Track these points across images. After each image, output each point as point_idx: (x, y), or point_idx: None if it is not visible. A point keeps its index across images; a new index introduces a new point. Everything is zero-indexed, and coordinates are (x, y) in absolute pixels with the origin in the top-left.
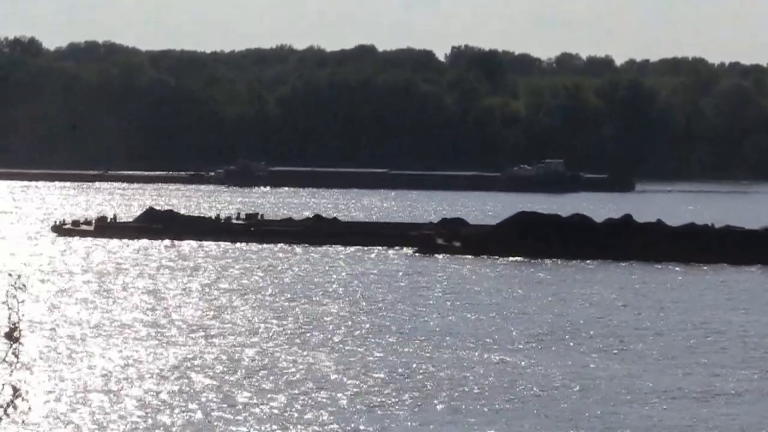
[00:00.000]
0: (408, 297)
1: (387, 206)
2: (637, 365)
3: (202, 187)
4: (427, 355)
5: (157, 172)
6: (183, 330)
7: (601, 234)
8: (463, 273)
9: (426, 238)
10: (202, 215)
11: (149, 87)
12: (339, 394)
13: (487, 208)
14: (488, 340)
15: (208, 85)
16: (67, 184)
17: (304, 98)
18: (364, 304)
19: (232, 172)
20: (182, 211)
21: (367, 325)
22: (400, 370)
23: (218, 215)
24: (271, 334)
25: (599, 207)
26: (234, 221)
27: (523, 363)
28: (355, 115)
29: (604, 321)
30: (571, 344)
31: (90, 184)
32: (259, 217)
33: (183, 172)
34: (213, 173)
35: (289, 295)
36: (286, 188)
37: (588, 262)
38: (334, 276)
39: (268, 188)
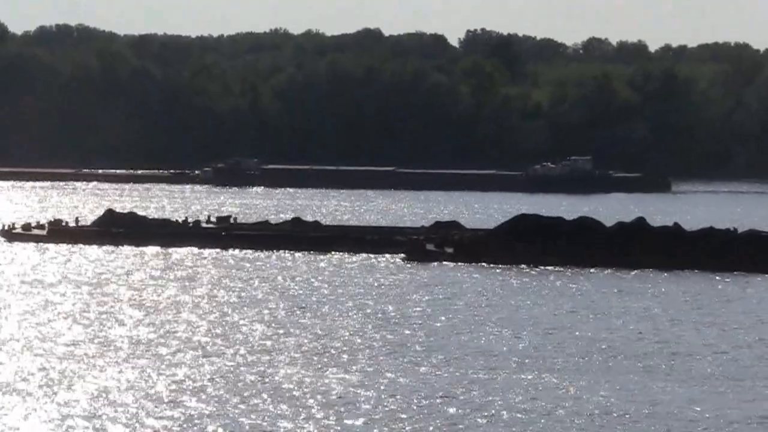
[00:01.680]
0: (418, 309)
1: (393, 208)
2: (698, 388)
3: (188, 187)
4: (457, 375)
5: (138, 171)
6: (135, 350)
7: (609, 239)
8: (460, 280)
9: (415, 244)
10: (168, 218)
11: (132, 78)
12: (359, 420)
13: (504, 210)
14: (525, 359)
15: (196, 75)
16: (40, 183)
17: (302, 89)
18: (356, 316)
19: (222, 171)
20: (151, 213)
21: (379, 343)
22: (427, 393)
23: (186, 218)
24: (273, 354)
25: (631, 209)
26: (204, 225)
27: (567, 385)
28: (359, 107)
29: (649, 336)
30: (619, 363)
31: (64, 183)
32: (231, 220)
33: (166, 171)
34: (199, 172)
35: (255, 311)
36: (282, 189)
37: (593, 270)
38: (312, 288)
39: (260, 189)
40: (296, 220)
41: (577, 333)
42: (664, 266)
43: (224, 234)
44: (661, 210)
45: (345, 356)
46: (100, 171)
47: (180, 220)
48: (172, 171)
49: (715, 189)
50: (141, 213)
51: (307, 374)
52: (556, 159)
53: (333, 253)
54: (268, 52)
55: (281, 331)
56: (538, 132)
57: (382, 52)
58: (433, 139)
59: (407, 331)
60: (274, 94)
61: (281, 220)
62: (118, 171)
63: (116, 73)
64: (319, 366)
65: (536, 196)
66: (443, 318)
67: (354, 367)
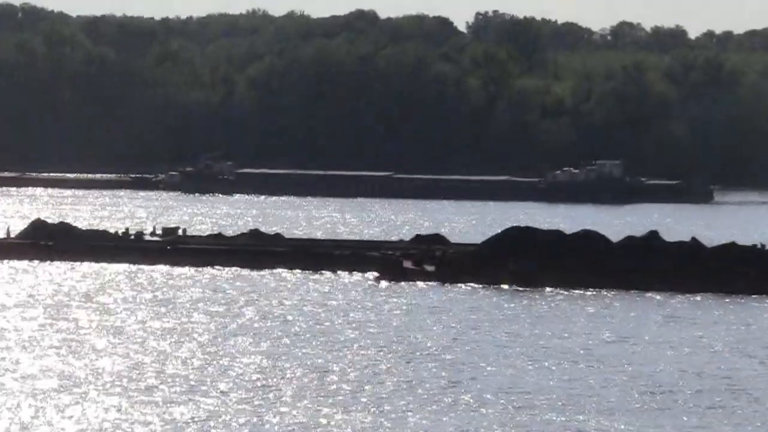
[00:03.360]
0: (415, 339)
1: (387, 220)
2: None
3: (151, 193)
4: (477, 416)
5: (92, 175)
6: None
7: (614, 256)
8: (445, 304)
9: (389, 261)
10: (106, 230)
11: (84, 65)
12: None
13: (520, 223)
14: (557, 398)
15: (160, 63)
16: None
17: (283, 81)
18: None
19: (189, 175)
20: (86, 224)
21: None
22: None
23: (127, 230)
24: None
25: (666, 222)
26: (147, 237)
27: (608, 427)
28: (351, 102)
29: (706, 370)
30: (671, 402)
31: (4, 188)
32: (180, 232)
33: (124, 175)
34: (164, 176)
35: (194, 341)
36: (260, 196)
37: (591, 291)
38: (265, 313)
39: (235, 196)
40: (254, 233)
41: (615, 366)
42: (675, 287)
43: (169, 248)
44: (700, 223)
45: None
46: (45, 175)
47: (120, 232)
48: (131, 175)
49: (765, 200)
50: (82, 223)
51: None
52: (581, 163)
53: (294, 270)
54: (244, 37)
55: (224, 362)
56: (559, 132)
57: (377, 37)
58: (437, 140)
59: (405, 365)
60: (251, 86)
61: (238, 233)
62: (67, 175)
63: (66, 60)
64: (316, 406)
65: (557, 207)
66: (456, 349)
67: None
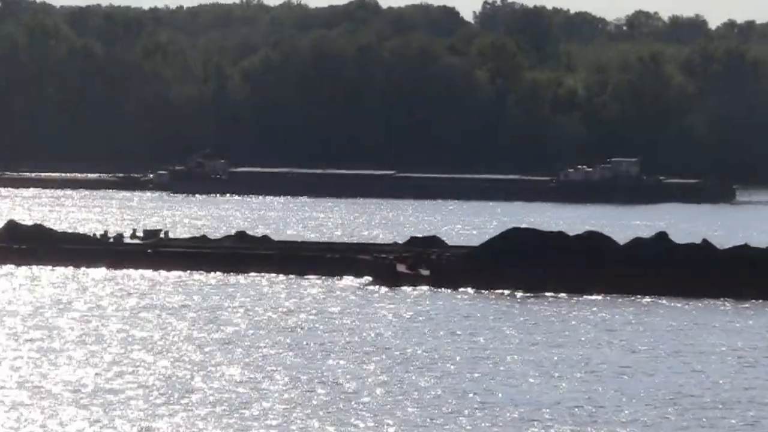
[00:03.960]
0: (411, 346)
1: (390, 220)
2: None
3: (138, 194)
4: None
5: (76, 175)
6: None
7: (620, 259)
8: (447, 310)
9: (382, 265)
10: (84, 233)
11: (68, 58)
12: None
13: (529, 224)
14: (577, 412)
15: (148, 56)
16: None
17: (279, 74)
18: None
19: (180, 175)
20: (66, 226)
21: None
22: None
23: (106, 232)
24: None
25: (685, 223)
26: (127, 240)
27: None
28: (351, 97)
29: (729, 381)
30: (704, 417)
31: None
32: (162, 234)
33: (111, 174)
34: (153, 175)
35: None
36: (255, 196)
37: (595, 297)
38: (252, 322)
39: (229, 196)
40: (240, 235)
41: (630, 377)
42: (684, 291)
43: (150, 252)
44: (720, 224)
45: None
46: (28, 174)
47: (98, 234)
48: (118, 175)
49: None
50: (60, 225)
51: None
52: (595, 161)
53: (281, 275)
54: (238, 28)
55: (208, 370)
56: (572, 127)
57: (379, 28)
58: (442, 136)
59: (401, 373)
60: (246, 80)
61: (223, 235)
62: (52, 174)
63: (50, 52)
64: (306, 420)
65: (569, 207)
66: (453, 357)
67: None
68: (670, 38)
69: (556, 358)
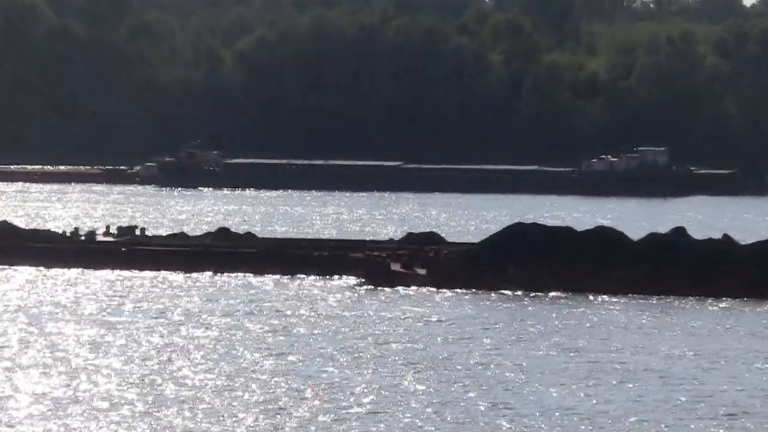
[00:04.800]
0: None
1: (397, 215)
2: None
3: (124, 187)
4: None
5: (56, 167)
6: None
7: (631, 257)
8: (450, 313)
9: (374, 264)
10: (54, 230)
11: (47, 40)
12: None
13: (547, 220)
14: (624, 424)
15: (134, 38)
16: None
17: (276, 57)
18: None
19: (170, 166)
20: (35, 224)
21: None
22: None
23: (77, 229)
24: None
25: (716, 218)
26: (100, 238)
27: None
28: (354, 81)
29: None
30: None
31: None
32: (137, 231)
33: (94, 167)
34: (140, 168)
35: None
36: (250, 190)
37: (605, 297)
38: (237, 325)
39: (224, 190)
40: (222, 232)
41: (685, 386)
42: (702, 290)
43: (125, 250)
44: (754, 218)
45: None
46: (3, 167)
47: (68, 232)
48: (102, 167)
49: None
50: (30, 222)
51: None
52: (620, 150)
53: (267, 275)
54: (231, 7)
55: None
56: (594, 114)
57: (383, 6)
58: (454, 125)
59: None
60: (240, 63)
61: (203, 232)
62: (28, 167)
63: (27, 34)
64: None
65: (591, 200)
66: (479, 367)
67: None
68: (701, 17)
69: (588, 362)
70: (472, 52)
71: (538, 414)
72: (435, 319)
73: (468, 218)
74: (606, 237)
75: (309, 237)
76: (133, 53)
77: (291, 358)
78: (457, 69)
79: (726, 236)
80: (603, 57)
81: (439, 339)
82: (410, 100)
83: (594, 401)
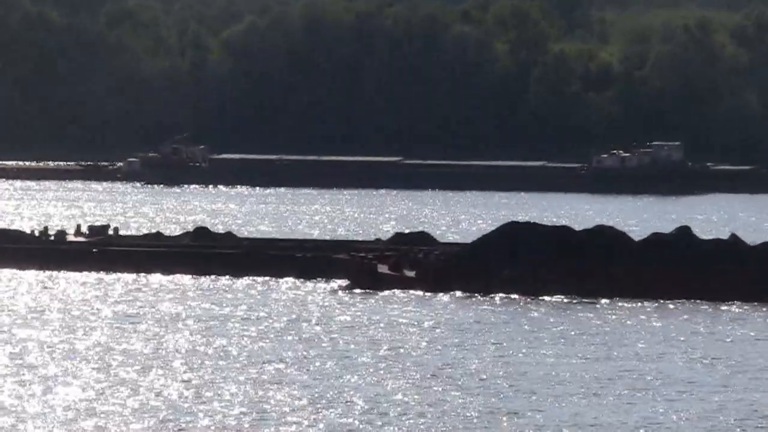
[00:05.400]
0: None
1: (391, 212)
2: None
3: (105, 185)
4: None
5: (34, 163)
6: None
7: (632, 258)
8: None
9: (360, 266)
10: (21, 229)
11: (22, 28)
12: None
13: (553, 220)
14: None
15: (115, 24)
16: None
17: (266, 46)
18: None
19: (153, 162)
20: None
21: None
22: None
23: (46, 229)
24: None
25: (733, 217)
26: (70, 238)
27: None
28: (350, 72)
29: None
30: None
31: None
32: (110, 231)
33: (73, 163)
34: (122, 164)
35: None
36: (238, 187)
37: (605, 302)
38: (213, 331)
39: (211, 188)
40: (200, 232)
41: (696, 394)
42: (707, 294)
43: (95, 251)
44: None
45: None
46: None
47: (37, 231)
48: (82, 163)
49: None
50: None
51: None
52: (632, 145)
53: (247, 277)
54: None
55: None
56: (606, 106)
57: None
58: (456, 118)
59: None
60: (228, 53)
61: (180, 231)
62: (4, 162)
63: (1, 22)
64: None
65: (602, 198)
66: (483, 376)
67: None
68: (720, 3)
69: (597, 372)
70: (475, 41)
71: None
72: (427, 325)
73: (471, 217)
74: (605, 237)
75: (292, 237)
76: (113, 41)
77: (270, 367)
78: (459, 59)
79: (733, 236)
80: (615, 46)
81: (423, 344)
82: (409, 92)
83: (596, 412)
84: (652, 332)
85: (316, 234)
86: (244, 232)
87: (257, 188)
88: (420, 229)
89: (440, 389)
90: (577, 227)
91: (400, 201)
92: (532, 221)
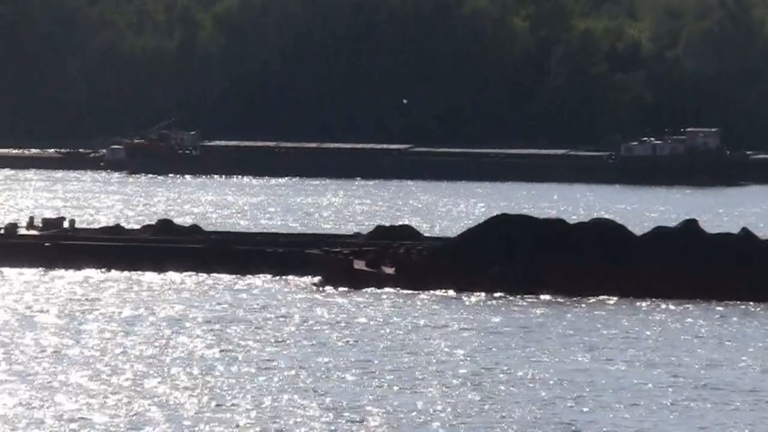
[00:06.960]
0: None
1: (393, 205)
2: None
3: (85, 173)
4: None
5: (9, 150)
6: None
7: (632, 253)
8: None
9: (336, 262)
10: None
11: None
12: None
13: (580, 212)
14: None
15: (96, 0)
16: None
17: (261, 22)
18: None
19: (138, 149)
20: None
21: None
22: None
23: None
24: None
25: None
26: (22, 231)
27: None
28: (353, 51)
29: None
30: None
31: None
32: (65, 224)
33: (51, 150)
34: (104, 151)
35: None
36: (231, 177)
37: (603, 299)
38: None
39: (202, 177)
40: (163, 225)
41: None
42: (714, 293)
43: (48, 246)
44: None
45: None
46: None
47: None
48: (60, 150)
49: None
50: None
51: None
52: (665, 132)
53: (211, 274)
54: None
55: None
56: (635, 89)
57: None
58: (471, 102)
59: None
60: (219, 30)
61: (142, 224)
62: None
63: None
64: None
65: (632, 189)
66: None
67: None
68: None
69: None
70: (491, 18)
71: None
72: (421, 324)
73: (486, 209)
74: (603, 231)
75: (263, 231)
76: (94, 17)
77: (233, 368)
78: (474, 37)
79: (745, 230)
80: (645, 23)
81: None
82: (418, 74)
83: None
84: (703, 336)
85: (329, 228)
86: (252, 227)
87: (252, 177)
88: (421, 225)
89: (478, 398)
90: (565, 220)
91: (407, 192)
92: (522, 213)
